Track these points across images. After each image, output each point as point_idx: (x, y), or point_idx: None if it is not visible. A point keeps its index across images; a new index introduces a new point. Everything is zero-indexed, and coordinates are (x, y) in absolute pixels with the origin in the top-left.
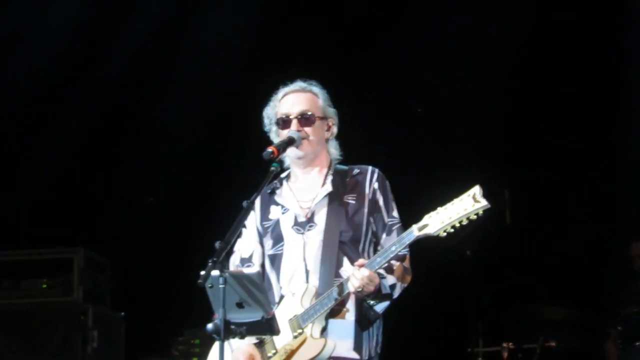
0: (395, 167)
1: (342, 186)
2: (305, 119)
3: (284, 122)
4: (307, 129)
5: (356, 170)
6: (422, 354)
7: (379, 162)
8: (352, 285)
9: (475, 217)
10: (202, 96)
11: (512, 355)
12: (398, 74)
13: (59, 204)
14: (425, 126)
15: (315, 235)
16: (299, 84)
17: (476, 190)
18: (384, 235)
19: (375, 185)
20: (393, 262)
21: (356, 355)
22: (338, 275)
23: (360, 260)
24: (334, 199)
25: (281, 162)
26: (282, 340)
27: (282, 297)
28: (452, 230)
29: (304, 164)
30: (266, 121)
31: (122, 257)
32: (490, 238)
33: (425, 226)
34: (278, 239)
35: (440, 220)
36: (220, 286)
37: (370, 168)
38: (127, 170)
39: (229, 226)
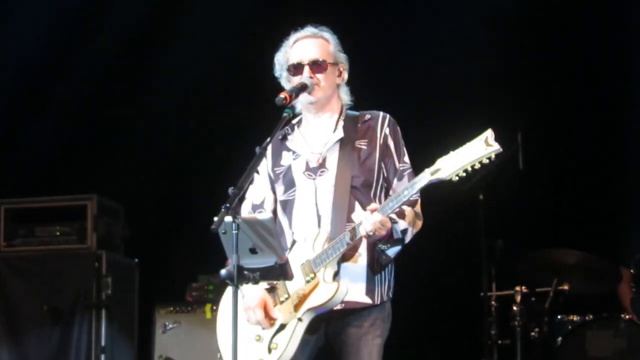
0: (405, 113)
1: (354, 131)
2: (317, 66)
3: (295, 69)
4: (319, 75)
5: (368, 116)
6: (435, 299)
7: (390, 108)
8: (364, 230)
9: (487, 161)
10: (215, 42)
11: (525, 298)
12: (407, 19)
13: (73, 151)
14: (435, 70)
15: (327, 181)
16: (310, 30)
17: (488, 134)
18: (395, 181)
19: (387, 130)
20: (405, 207)
21: (368, 300)
22: (350, 220)
23: (373, 205)
24: (346, 144)
25: (293, 108)
26: (295, 285)
27: (294, 242)
28: (465, 174)
29: (315, 109)
30: (277, 67)
31: (135, 204)
32: (503, 182)
33: (437, 170)
34: (290, 185)
35: (452, 164)
36: (234, 232)
37: (381, 113)
38: (140, 115)
39: (242, 172)
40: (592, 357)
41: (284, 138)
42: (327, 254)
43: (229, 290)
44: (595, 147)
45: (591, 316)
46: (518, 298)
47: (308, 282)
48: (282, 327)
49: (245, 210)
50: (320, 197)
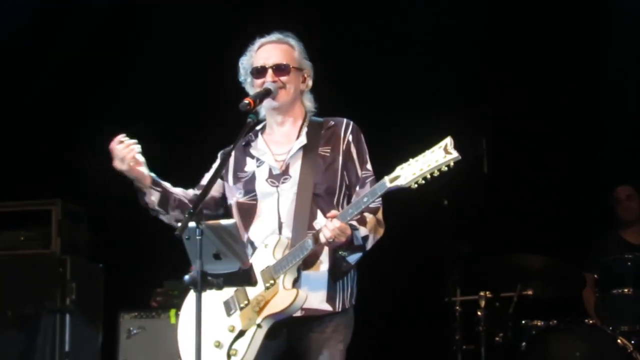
0: (369, 119)
1: (317, 138)
2: (281, 70)
3: (258, 72)
4: (283, 79)
5: (331, 123)
6: (399, 304)
7: (352, 114)
8: (324, 236)
9: (446, 169)
10: (179, 48)
11: (490, 303)
12: (367, 21)
13: (37, 155)
14: (399, 75)
15: (290, 188)
16: (275, 35)
17: (447, 141)
18: (357, 188)
19: (350, 137)
20: (366, 214)
21: (329, 307)
22: (311, 227)
23: (333, 212)
24: (309, 151)
25: (257, 114)
26: (254, 291)
27: (254, 248)
28: (424, 182)
29: (279, 114)
30: (242, 71)
31: (100, 209)
32: (468, 187)
33: (396, 177)
34: (251, 190)
35: (411, 172)
36: (197, 238)
37: (345, 120)
38: (104, 120)
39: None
40: None
41: (247, 144)
42: (287, 260)
43: (189, 297)
44: (560, 152)
45: (555, 321)
46: (482, 303)
47: (268, 288)
48: (242, 333)
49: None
50: (282, 204)
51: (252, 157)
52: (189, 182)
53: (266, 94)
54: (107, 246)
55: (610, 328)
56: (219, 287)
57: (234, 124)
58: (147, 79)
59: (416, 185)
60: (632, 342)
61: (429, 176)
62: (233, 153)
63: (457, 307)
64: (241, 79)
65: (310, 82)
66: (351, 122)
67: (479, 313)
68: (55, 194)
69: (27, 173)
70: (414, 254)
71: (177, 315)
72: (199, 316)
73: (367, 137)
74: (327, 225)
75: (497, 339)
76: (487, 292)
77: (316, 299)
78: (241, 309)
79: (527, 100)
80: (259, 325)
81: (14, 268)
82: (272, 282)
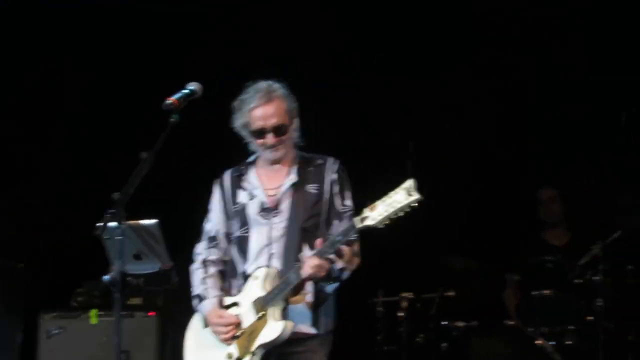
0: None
1: (306, 175)
2: (279, 131)
3: (258, 134)
4: (283, 137)
5: (319, 161)
6: None
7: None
8: (305, 273)
9: (409, 209)
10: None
11: (411, 304)
12: None
13: None
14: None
15: (280, 222)
16: (263, 91)
17: (409, 183)
18: (336, 221)
19: (334, 176)
20: (343, 247)
21: (314, 330)
22: (298, 260)
23: (314, 248)
24: (298, 188)
25: (180, 113)
26: (249, 320)
27: (247, 278)
28: (389, 221)
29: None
30: (237, 125)
31: (20, 208)
32: (392, 190)
33: (365, 218)
34: (244, 223)
35: (378, 214)
36: (118, 237)
37: (332, 159)
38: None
39: (127, 178)
40: None
41: (240, 176)
42: (274, 293)
43: (195, 320)
44: (483, 155)
45: (476, 322)
46: (404, 304)
47: (260, 318)
48: None
49: (202, 246)
50: (273, 238)
51: (245, 189)
52: (114, 183)
53: (191, 94)
54: (27, 246)
55: (531, 329)
56: (139, 288)
57: (158, 125)
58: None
59: (383, 225)
60: (552, 343)
61: (394, 216)
62: (227, 184)
63: (379, 308)
64: (238, 130)
65: (297, 121)
66: (337, 162)
67: (400, 314)
68: None
69: None
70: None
71: (97, 315)
72: (118, 319)
73: None
74: (307, 262)
75: (418, 339)
76: (409, 293)
77: (304, 324)
78: (237, 337)
79: (453, 102)
80: (253, 353)
81: None
82: (263, 313)
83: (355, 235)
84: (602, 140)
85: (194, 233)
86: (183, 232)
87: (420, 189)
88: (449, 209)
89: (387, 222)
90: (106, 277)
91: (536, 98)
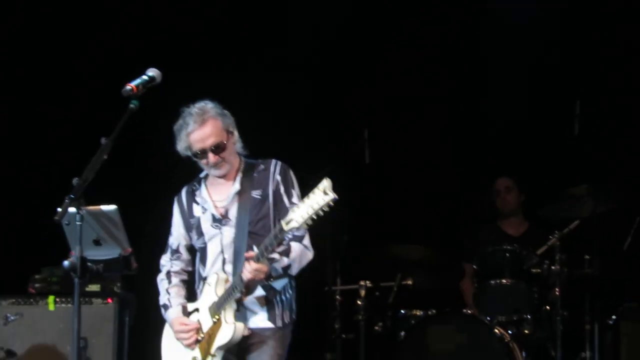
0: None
1: (250, 182)
2: (219, 149)
3: (200, 155)
4: (222, 155)
5: (261, 166)
6: None
7: None
8: (245, 277)
9: (328, 208)
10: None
11: (369, 293)
12: None
13: None
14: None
15: (230, 229)
16: (196, 114)
17: (325, 184)
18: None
19: (278, 177)
20: (292, 243)
21: (270, 324)
22: None
23: (250, 253)
24: (243, 195)
25: (140, 100)
26: (206, 325)
27: (203, 286)
28: (312, 222)
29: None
30: (180, 148)
31: None
32: (348, 177)
33: (290, 221)
34: (201, 234)
35: (300, 215)
36: (77, 223)
37: (273, 161)
38: None
39: (87, 163)
40: (434, 352)
41: (193, 192)
42: (224, 298)
43: (167, 329)
44: (441, 143)
45: (434, 311)
46: (362, 292)
47: (215, 322)
48: None
49: (166, 258)
50: (225, 244)
51: (198, 203)
52: (74, 169)
53: (150, 80)
54: None
55: (488, 318)
56: (98, 273)
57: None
58: None
59: (307, 225)
60: (509, 332)
61: (315, 217)
62: (184, 199)
63: (337, 296)
64: (182, 153)
65: (236, 133)
66: (279, 163)
67: (358, 302)
68: None
69: None
70: None
71: (55, 302)
72: (78, 305)
73: None
74: (246, 267)
75: (376, 328)
76: (367, 282)
77: (259, 319)
78: (199, 341)
79: (410, 90)
80: (213, 355)
81: None
82: (217, 317)
83: (304, 231)
84: (557, 129)
85: (155, 218)
86: (144, 217)
87: (374, 178)
88: (406, 197)
89: (309, 223)
90: (66, 263)
91: (493, 87)
